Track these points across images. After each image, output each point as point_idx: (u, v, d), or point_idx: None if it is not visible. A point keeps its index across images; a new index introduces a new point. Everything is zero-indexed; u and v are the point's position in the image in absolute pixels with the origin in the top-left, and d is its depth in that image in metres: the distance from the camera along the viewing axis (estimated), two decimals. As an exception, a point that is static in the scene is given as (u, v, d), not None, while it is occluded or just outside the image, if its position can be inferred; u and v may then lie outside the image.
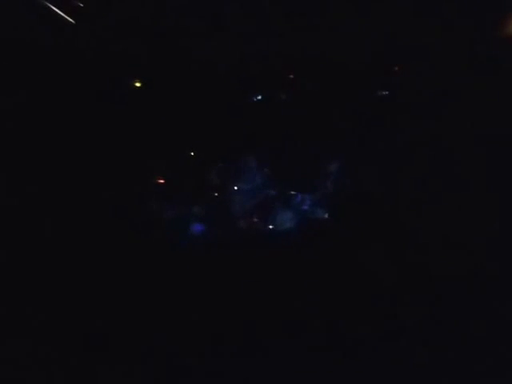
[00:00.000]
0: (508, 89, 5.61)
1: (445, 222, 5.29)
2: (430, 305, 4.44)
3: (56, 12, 5.37)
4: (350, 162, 6.93)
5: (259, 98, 7.40)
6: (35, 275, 4.79)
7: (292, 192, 7.17)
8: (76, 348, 3.97)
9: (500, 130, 5.63)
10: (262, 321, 4.53)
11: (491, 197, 5.27)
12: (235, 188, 6.75)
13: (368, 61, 6.68)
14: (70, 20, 5.50)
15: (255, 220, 6.77)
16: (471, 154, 5.68)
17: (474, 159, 5.71)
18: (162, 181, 7.48)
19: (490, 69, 5.71)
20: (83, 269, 5.02)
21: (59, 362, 3.81)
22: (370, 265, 5.30)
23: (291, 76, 7.32)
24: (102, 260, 5.19)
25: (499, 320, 4.14)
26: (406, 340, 4.14)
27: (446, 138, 6.01)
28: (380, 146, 6.99)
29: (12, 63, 5.40)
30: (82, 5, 5.49)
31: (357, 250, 5.52)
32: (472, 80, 5.79)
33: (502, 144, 5.55)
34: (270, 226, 6.74)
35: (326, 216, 6.70)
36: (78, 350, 3.96)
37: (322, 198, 6.94)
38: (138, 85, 6.89)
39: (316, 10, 6.04)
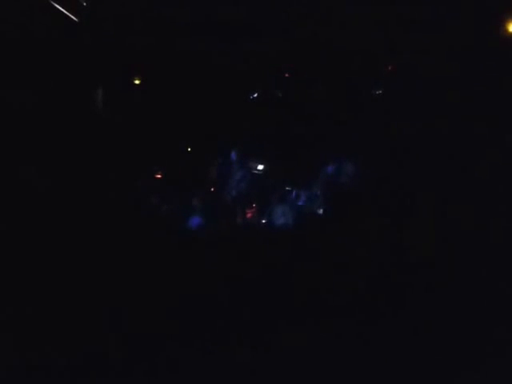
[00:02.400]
0: (507, 88, 5.66)
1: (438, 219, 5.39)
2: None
3: (60, 10, 5.43)
4: (345, 159, 7.08)
5: (255, 95, 7.55)
6: (35, 274, 4.78)
7: (288, 188, 7.32)
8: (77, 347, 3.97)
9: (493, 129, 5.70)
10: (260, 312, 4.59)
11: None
12: (232, 183, 6.88)
13: (363, 60, 6.79)
14: (74, 18, 5.57)
15: (251, 214, 6.90)
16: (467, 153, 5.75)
17: (470, 159, 5.77)
18: (159, 176, 7.59)
19: (488, 68, 5.77)
20: (82, 263, 5.02)
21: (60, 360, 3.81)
22: (364, 258, 5.40)
23: (286, 75, 7.45)
24: (101, 254, 5.20)
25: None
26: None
27: (440, 136, 6.10)
28: (373, 143, 7.13)
29: (16, 59, 5.43)
30: (84, 3, 5.56)
31: (350, 243, 5.61)
32: (470, 79, 5.87)
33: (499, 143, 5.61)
34: (264, 221, 6.87)
35: (321, 211, 6.85)
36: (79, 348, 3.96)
37: (318, 194, 7.09)
38: (137, 82, 7.00)
39: (312, 10, 6.13)
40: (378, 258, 5.35)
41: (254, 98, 7.41)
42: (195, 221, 6.53)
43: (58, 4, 5.43)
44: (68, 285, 4.74)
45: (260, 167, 7.22)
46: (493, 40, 5.83)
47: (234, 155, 6.86)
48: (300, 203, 7.13)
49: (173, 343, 4.21)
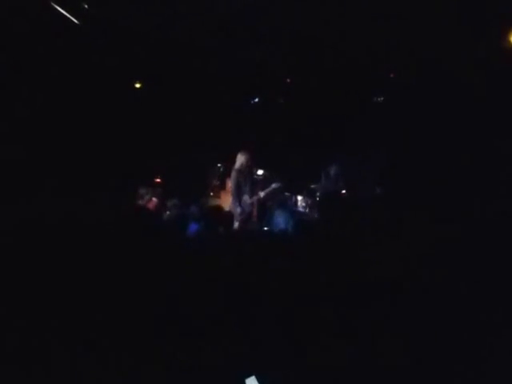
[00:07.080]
0: (506, 94, 5.63)
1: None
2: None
3: (61, 13, 5.41)
4: (345, 164, 7.07)
5: (256, 100, 7.53)
6: (36, 275, 4.74)
7: (287, 193, 7.30)
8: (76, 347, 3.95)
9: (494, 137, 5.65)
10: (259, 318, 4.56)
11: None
12: (234, 188, 6.82)
13: (364, 66, 6.78)
14: (75, 21, 5.55)
15: (252, 220, 6.85)
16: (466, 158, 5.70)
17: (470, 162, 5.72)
18: (159, 180, 7.57)
19: (488, 73, 5.74)
20: (82, 269, 4.98)
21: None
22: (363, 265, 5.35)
23: (288, 80, 7.44)
24: (101, 260, 5.16)
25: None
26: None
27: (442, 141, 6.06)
28: (375, 149, 7.12)
29: (17, 62, 5.39)
30: (86, 6, 5.54)
31: (350, 250, 5.56)
32: (470, 85, 5.84)
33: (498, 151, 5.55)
34: (266, 228, 6.81)
35: (319, 216, 6.80)
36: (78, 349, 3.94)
37: (317, 199, 7.06)
38: (138, 86, 6.98)
39: (314, 15, 6.11)
40: (381, 264, 5.31)
41: (254, 102, 7.40)
42: (193, 227, 6.46)
43: (58, 6, 5.40)
44: (65, 289, 4.68)
45: (260, 172, 7.18)
46: (496, 46, 5.81)
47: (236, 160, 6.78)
48: (300, 209, 7.11)
49: (169, 350, 4.15)
